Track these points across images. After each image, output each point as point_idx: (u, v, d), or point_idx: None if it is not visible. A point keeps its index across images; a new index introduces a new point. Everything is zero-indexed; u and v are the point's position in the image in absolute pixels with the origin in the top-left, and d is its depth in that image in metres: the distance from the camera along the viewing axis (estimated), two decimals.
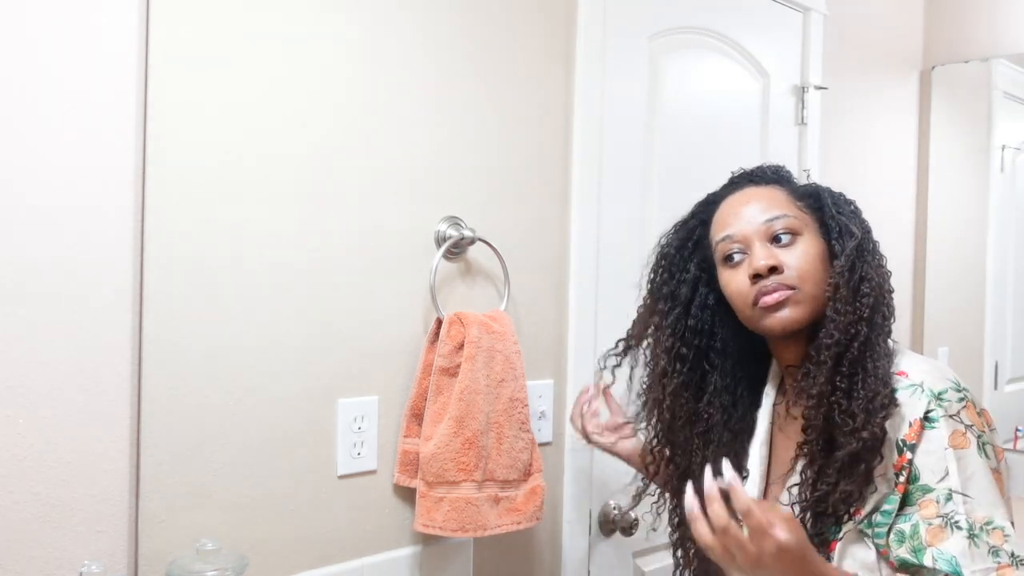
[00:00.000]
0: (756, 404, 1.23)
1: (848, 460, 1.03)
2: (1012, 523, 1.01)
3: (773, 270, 1.09)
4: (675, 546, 1.29)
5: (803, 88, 2.21)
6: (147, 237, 1.18)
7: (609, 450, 1.47)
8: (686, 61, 1.96)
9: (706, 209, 1.22)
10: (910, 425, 1.04)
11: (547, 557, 1.70)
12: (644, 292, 1.28)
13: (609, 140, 1.77)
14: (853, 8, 2.39)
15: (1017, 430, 2.52)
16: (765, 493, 1.19)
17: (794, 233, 1.12)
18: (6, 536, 1.09)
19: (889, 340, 1.11)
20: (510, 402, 1.48)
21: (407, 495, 1.46)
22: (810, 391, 1.08)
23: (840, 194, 1.18)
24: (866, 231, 1.13)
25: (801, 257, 1.10)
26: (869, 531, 1.05)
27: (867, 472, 1.04)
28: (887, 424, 1.04)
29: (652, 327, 1.25)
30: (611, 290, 1.76)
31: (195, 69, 1.23)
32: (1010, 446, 2.51)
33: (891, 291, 1.12)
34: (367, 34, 1.40)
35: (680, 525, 1.27)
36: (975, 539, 0.98)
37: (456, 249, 1.52)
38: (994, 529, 0.99)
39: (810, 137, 2.22)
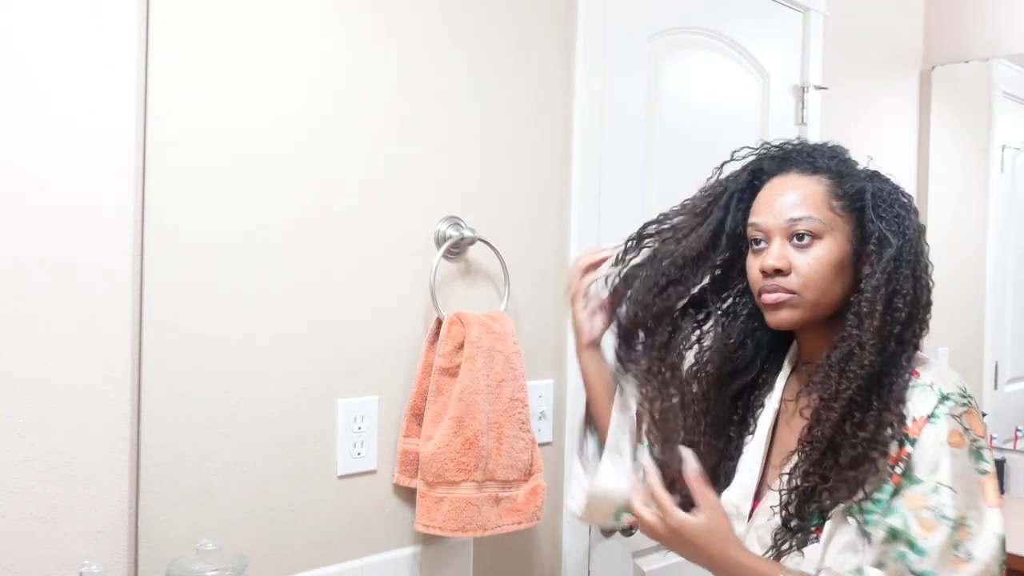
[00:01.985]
0: (774, 370, 1.24)
1: (854, 475, 1.06)
2: (991, 527, 1.04)
3: (779, 271, 1.12)
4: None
5: (803, 88, 2.21)
6: (147, 238, 1.18)
7: (580, 325, 1.32)
8: (686, 61, 1.96)
9: (755, 175, 1.21)
10: (914, 420, 1.07)
11: (547, 557, 1.70)
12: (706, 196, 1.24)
13: (609, 140, 1.77)
14: (853, 8, 2.39)
15: (1017, 430, 2.52)
16: (763, 476, 1.20)
17: (815, 236, 1.11)
18: (6, 536, 1.09)
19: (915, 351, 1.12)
20: (510, 402, 1.48)
21: (407, 495, 1.46)
22: (823, 394, 1.09)
23: (889, 192, 1.14)
24: (908, 239, 1.10)
25: (812, 263, 1.11)
26: (859, 516, 1.07)
27: (863, 481, 1.06)
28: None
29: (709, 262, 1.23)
30: None
31: (196, 69, 1.23)
32: (1010, 446, 2.51)
33: (929, 304, 1.12)
34: (366, 35, 1.40)
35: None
36: (954, 532, 1.02)
37: (456, 249, 1.52)
38: (964, 526, 1.03)
39: (810, 137, 2.21)
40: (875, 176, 1.17)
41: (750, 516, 1.17)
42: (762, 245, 1.15)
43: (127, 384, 1.18)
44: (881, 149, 2.53)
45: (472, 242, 1.53)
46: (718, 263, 1.22)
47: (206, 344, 1.24)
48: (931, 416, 1.06)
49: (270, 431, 1.31)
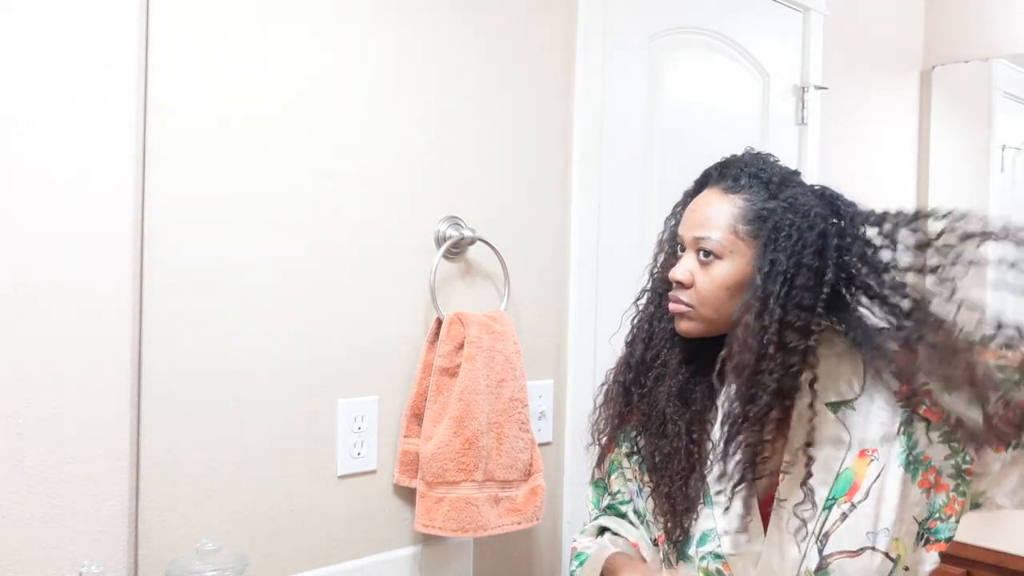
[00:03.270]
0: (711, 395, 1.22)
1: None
2: None
3: (681, 284, 1.16)
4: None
5: (803, 88, 2.21)
6: (147, 237, 1.19)
7: None
8: (686, 61, 1.96)
9: (702, 183, 1.23)
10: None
11: (547, 557, 1.70)
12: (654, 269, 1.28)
13: (609, 140, 1.77)
14: (853, 8, 2.39)
15: None
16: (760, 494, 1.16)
17: (717, 256, 1.14)
18: (6, 536, 1.09)
19: None
20: (510, 402, 1.48)
21: (407, 495, 1.46)
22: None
23: (793, 220, 1.11)
24: (795, 266, 1.09)
25: (708, 282, 1.15)
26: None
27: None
28: None
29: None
30: (611, 290, 1.76)
31: (195, 68, 1.23)
32: None
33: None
34: (366, 35, 1.40)
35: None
36: None
37: (456, 249, 1.52)
38: None
39: (810, 137, 2.22)
40: (792, 206, 1.12)
41: (767, 528, 1.13)
42: (680, 255, 1.20)
43: (127, 384, 1.18)
44: (881, 149, 2.55)
45: (472, 242, 1.53)
46: None
47: (206, 344, 1.24)
48: None
49: (270, 431, 1.31)
